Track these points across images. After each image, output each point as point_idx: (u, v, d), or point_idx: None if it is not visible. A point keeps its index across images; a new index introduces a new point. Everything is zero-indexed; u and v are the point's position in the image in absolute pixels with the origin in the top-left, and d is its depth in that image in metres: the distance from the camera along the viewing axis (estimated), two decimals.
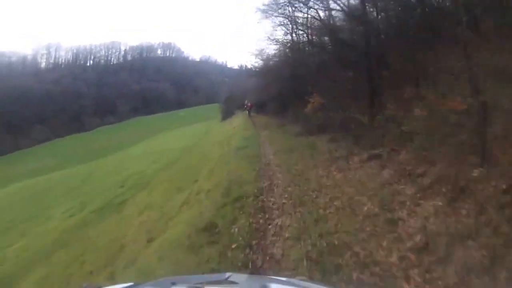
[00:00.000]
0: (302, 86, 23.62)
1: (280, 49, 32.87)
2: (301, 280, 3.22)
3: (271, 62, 37.60)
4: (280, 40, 30.66)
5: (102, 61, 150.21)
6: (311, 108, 20.48)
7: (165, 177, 22.10)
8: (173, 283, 2.43)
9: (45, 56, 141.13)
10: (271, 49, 36.80)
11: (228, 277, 2.64)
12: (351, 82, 19.48)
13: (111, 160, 43.64)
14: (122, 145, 66.08)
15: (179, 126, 76.94)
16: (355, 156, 12.62)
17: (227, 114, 60.86)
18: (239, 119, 46.96)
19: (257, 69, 43.94)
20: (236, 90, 69.64)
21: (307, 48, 29.46)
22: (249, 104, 49.07)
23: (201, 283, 2.46)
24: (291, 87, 28.58)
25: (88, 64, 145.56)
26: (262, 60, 40.47)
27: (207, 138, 38.01)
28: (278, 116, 33.65)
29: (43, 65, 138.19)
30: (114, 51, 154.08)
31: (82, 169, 40.75)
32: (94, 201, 22.15)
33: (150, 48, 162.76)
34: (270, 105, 40.50)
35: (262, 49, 38.14)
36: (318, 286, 3.33)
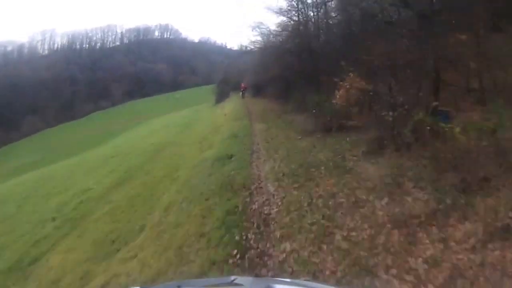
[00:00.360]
0: (315, 64, 20.38)
1: (284, 20, 28.32)
2: (305, 281, 3.80)
3: (272, 37, 32.60)
4: (285, 9, 26.56)
5: (98, 44, 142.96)
6: (345, 95, 13.02)
7: (107, 208, 14.90)
8: (179, 287, 2.53)
9: (40, 43, 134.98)
10: (272, 22, 31.45)
11: (233, 280, 2.56)
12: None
13: (72, 163, 35.77)
14: (101, 138, 58.60)
15: (169, 112, 69.04)
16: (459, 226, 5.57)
17: (221, 96, 55.69)
18: (232, 104, 42.74)
19: (256, 46, 37.30)
20: (233, 71, 64.11)
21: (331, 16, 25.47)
22: (242, 85, 47.14)
23: (206, 286, 2.76)
24: (299, 66, 24.13)
25: (83, 48, 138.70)
26: (261, 35, 34.50)
27: (188, 132, 31.20)
28: (278, 101, 29.10)
29: (38, 52, 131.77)
30: (110, 34, 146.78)
31: (34, 178, 32.84)
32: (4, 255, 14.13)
33: (147, 30, 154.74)
34: (269, 88, 35.36)
35: (261, 22, 33.08)
36: (322, 286, 3.29)
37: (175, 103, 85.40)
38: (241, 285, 2.41)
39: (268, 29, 31.82)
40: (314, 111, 16.75)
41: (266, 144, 15.99)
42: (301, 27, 26.11)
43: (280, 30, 29.35)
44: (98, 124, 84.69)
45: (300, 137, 15.41)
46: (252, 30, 32.42)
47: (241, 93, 46.95)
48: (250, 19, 64.41)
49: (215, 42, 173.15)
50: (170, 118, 55.07)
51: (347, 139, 12.62)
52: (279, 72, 28.23)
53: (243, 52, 50.37)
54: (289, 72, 25.90)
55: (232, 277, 2.61)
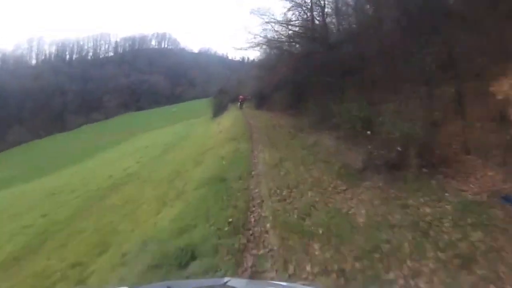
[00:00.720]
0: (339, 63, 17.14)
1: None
2: (302, 285, 3.46)
3: (277, 30, 26.22)
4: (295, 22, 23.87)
5: (90, 54, 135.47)
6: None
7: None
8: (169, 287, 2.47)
9: (27, 52, 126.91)
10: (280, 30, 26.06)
11: (226, 282, 2.52)
12: None
13: (51, 180, 31.00)
14: (82, 155, 51.75)
15: (162, 126, 62.89)
16: None
17: (219, 109, 48.77)
18: (231, 117, 35.39)
19: (256, 43, 29.15)
20: (232, 81, 57.87)
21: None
22: (241, 97, 44.35)
23: None
24: (315, 66, 19.74)
25: (74, 57, 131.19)
26: (263, 26, 26.81)
27: (165, 158, 24.52)
28: (288, 114, 24.58)
29: (24, 61, 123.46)
30: (103, 43, 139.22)
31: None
32: None
33: (143, 39, 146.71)
34: (276, 96, 30.81)
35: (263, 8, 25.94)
36: None
37: (170, 117, 77.93)
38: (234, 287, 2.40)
39: (273, 18, 25.09)
40: (368, 132, 9.77)
41: (280, 208, 8.25)
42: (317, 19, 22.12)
43: (288, 20, 24.14)
44: (86, 138, 77.87)
45: (344, 187, 8.79)
46: (251, 14, 25.31)
47: (239, 103, 43.89)
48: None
49: (215, 53, 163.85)
50: (157, 135, 49.45)
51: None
52: (288, 74, 23.50)
53: (244, 63, 47.05)
54: (301, 74, 21.13)
55: (225, 279, 2.56)
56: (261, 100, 36.58)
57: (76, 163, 43.44)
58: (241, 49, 47.52)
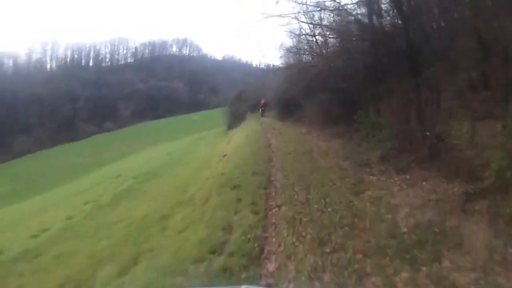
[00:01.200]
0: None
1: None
2: None
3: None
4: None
5: (107, 59, 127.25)
6: None
7: None
8: None
9: (40, 55, 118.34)
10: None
11: None
12: None
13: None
14: (82, 170, 43.85)
15: (168, 139, 54.84)
16: None
17: (234, 120, 39.12)
18: (244, 133, 27.30)
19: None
20: (251, 86, 48.02)
21: None
22: (262, 102, 37.03)
23: None
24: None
25: (90, 63, 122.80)
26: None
27: (112, 214, 14.28)
28: (331, 131, 16.47)
29: (37, 65, 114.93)
30: (121, 48, 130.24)
31: None
32: None
33: (164, 45, 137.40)
34: (308, 105, 22.85)
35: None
36: None
37: (186, 127, 69.96)
38: None
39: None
40: None
41: None
42: None
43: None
44: (91, 150, 68.62)
45: None
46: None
47: (260, 109, 36.97)
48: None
49: (239, 60, 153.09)
50: (148, 155, 41.59)
51: None
52: (333, 74, 16.73)
53: (269, 71, 42.45)
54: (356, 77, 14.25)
55: (243, 286, 2.43)
56: (287, 109, 28.62)
57: (66, 182, 36.10)
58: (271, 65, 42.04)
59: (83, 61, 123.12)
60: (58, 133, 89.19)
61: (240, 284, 2.74)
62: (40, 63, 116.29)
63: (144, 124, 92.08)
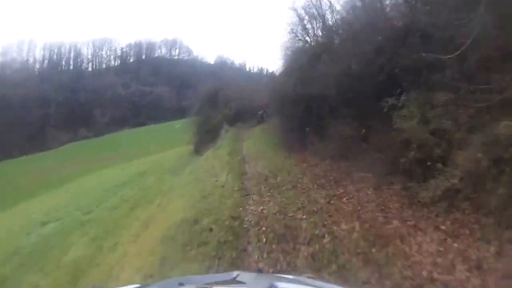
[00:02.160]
0: None
1: None
2: (308, 277, 3.37)
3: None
4: None
5: (88, 61, 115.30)
6: None
7: None
8: (181, 284, 2.38)
9: (16, 55, 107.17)
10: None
11: (236, 277, 2.50)
12: None
13: None
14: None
15: (136, 153, 47.72)
16: None
17: (203, 138, 25.30)
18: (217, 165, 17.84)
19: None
20: (233, 86, 34.66)
21: None
22: (263, 102, 26.66)
23: (209, 283, 2.45)
24: None
25: (69, 65, 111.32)
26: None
27: None
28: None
29: (10, 66, 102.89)
30: (105, 49, 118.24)
31: None
32: None
33: (151, 46, 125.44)
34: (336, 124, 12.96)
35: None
36: (325, 284, 3.10)
37: (168, 136, 61.32)
38: (243, 282, 2.35)
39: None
40: None
41: None
42: None
43: None
44: (55, 162, 60.04)
45: None
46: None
47: (259, 115, 28.39)
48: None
49: (232, 63, 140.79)
50: (90, 184, 32.22)
51: None
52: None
53: (262, 75, 44.80)
54: None
55: (235, 273, 2.51)
56: (289, 129, 17.38)
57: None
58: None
59: (63, 62, 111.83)
60: (27, 141, 79.69)
61: (232, 271, 2.54)
62: (14, 64, 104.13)
63: (120, 133, 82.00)
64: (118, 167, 39.08)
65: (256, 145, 21.12)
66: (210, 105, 31.30)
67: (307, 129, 14.75)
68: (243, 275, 2.50)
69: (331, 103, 13.23)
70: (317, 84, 13.75)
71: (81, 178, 37.28)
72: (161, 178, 22.74)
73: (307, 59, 16.26)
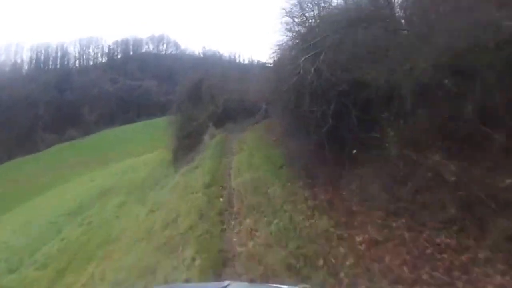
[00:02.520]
0: None
1: None
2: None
3: None
4: None
5: (75, 59, 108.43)
6: None
7: None
8: None
9: (4, 58, 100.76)
10: None
11: (226, 286, 2.41)
12: None
13: None
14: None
15: (124, 153, 44.10)
16: None
17: (182, 145, 18.13)
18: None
19: None
20: (219, 77, 29.47)
21: None
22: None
23: None
24: None
25: (57, 63, 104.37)
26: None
27: None
28: None
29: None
30: (92, 47, 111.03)
31: None
32: None
33: (138, 43, 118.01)
34: None
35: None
36: None
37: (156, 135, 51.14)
38: None
39: None
40: None
41: None
42: None
43: None
44: (45, 166, 55.47)
45: None
46: None
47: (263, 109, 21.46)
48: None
49: (221, 56, 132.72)
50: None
51: None
52: None
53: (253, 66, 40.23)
54: None
55: (226, 282, 2.41)
56: (306, 141, 10.77)
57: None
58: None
59: (50, 62, 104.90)
60: (14, 144, 73.43)
61: (224, 280, 2.48)
62: (3, 67, 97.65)
63: (107, 131, 75.53)
64: (89, 177, 34.14)
65: (252, 165, 14.55)
66: (193, 100, 24.91)
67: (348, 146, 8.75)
68: (234, 284, 2.38)
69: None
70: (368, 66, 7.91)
71: (44, 195, 32.67)
72: (123, 204, 16.82)
73: (344, 32, 9.92)
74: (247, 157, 15.97)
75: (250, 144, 18.16)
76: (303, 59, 10.36)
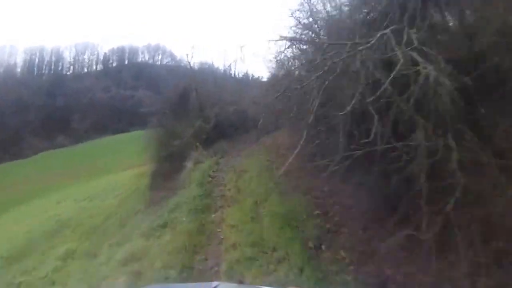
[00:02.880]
0: None
1: None
2: None
3: None
4: None
5: (69, 64, 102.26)
6: None
7: None
8: None
9: None
10: None
11: (215, 286, 2.28)
12: None
13: None
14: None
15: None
16: None
17: (160, 171, 12.88)
18: None
19: None
20: (212, 87, 24.34)
21: None
22: None
23: None
24: None
25: (51, 70, 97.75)
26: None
27: None
28: None
29: None
30: (88, 53, 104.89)
31: None
32: None
33: (134, 51, 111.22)
34: None
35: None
36: None
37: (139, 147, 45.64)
38: None
39: None
40: None
41: None
42: None
43: None
44: (32, 172, 49.33)
45: None
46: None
47: None
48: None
49: (217, 68, 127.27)
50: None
51: None
52: None
53: (249, 80, 34.82)
54: None
55: (214, 283, 2.28)
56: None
57: None
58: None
59: (44, 66, 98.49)
60: (1, 149, 67.56)
61: (212, 281, 2.34)
62: None
63: (97, 141, 69.30)
64: (57, 197, 28.33)
65: (261, 237, 8.07)
66: (177, 112, 19.56)
67: None
68: (223, 285, 2.29)
69: None
70: None
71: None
72: (70, 255, 11.42)
73: None
74: (248, 212, 9.65)
75: (252, 180, 12.21)
76: None
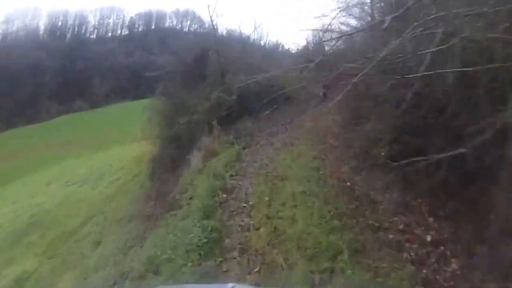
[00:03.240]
0: None
1: None
2: None
3: None
4: None
5: (93, 28, 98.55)
6: None
7: None
8: None
9: (18, 24, 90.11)
10: None
11: None
12: None
13: None
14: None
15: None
16: None
17: (163, 156, 11.03)
18: None
19: None
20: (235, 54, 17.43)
21: None
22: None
23: None
24: None
25: (74, 33, 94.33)
26: None
27: None
28: None
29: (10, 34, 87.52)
30: (113, 17, 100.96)
31: None
32: None
33: (161, 16, 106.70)
34: None
35: None
36: None
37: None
38: None
39: None
40: None
41: None
42: None
43: None
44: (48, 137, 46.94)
45: None
46: None
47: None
48: None
49: (246, 36, 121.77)
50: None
51: None
52: None
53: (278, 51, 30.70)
54: None
55: (230, 285, 2.25)
56: None
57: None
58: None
59: (67, 30, 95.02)
60: (17, 112, 66.06)
61: (227, 282, 2.41)
62: (17, 32, 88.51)
63: (115, 106, 65.86)
64: (52, 173, 25.53)
65: None
66: (190, 79, 14.93)
67: None
68: (239, 287, 2.24)
69: None
70: None
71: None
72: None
73: None
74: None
75: (295, 199, 6.95)
76: None
